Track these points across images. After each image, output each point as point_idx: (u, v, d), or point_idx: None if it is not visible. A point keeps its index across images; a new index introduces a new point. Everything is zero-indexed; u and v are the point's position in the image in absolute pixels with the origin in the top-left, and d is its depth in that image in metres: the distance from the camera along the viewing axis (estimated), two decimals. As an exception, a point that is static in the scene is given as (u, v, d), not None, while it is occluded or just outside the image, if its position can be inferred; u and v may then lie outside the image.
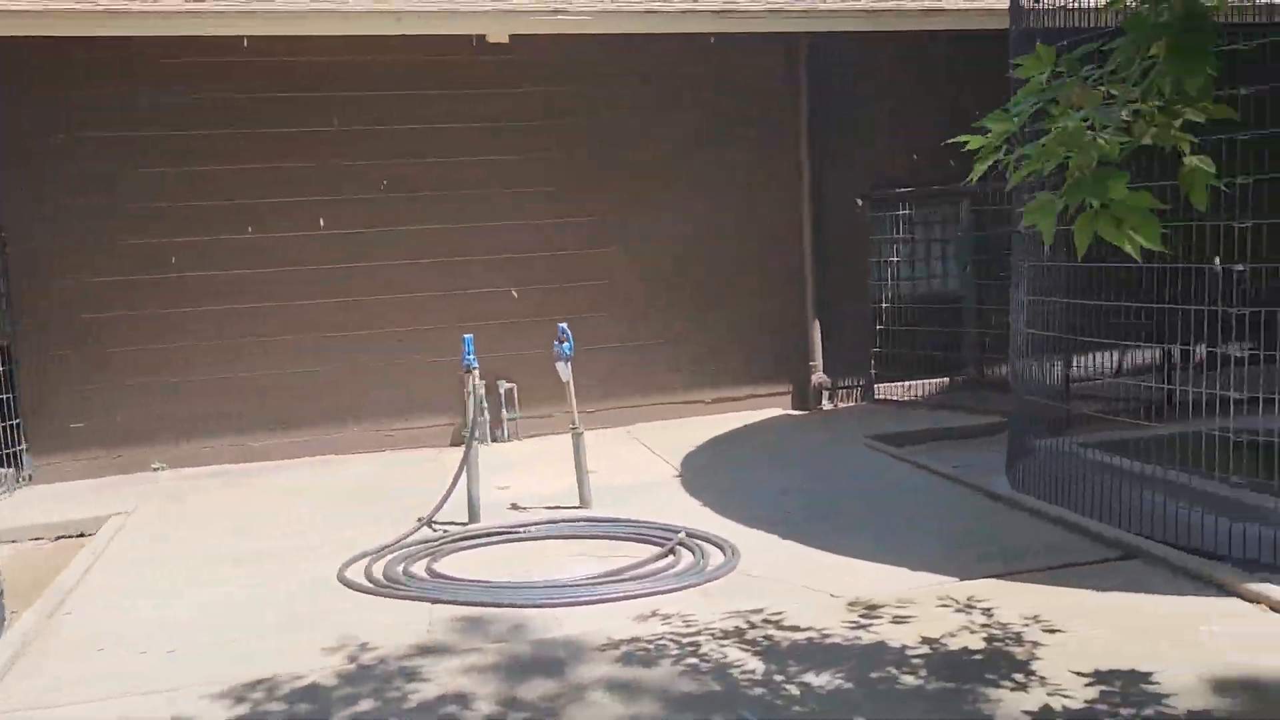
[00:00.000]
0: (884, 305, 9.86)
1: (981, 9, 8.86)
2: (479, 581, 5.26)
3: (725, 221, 9.53)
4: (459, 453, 8.73)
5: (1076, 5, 6.05)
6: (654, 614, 4.81)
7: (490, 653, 4.43)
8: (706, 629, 4.56)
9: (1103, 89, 2.53)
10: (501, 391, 9.03)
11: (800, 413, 9.69)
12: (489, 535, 6.07)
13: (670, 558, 5.55)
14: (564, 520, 6.35)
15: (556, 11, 8.27)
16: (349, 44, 8.28)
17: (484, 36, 8.55)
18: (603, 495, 6.95)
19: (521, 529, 6.16)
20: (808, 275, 9.70)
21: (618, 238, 9.30)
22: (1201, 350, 6.25)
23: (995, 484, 6.63)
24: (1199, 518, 5.34)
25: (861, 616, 4.62)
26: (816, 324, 9.74)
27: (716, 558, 5.54)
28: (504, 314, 9.06)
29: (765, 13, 8.76)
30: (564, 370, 6.77)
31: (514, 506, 6.86)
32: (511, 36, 8.60)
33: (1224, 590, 4.69)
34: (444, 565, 5.62)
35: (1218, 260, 8.88)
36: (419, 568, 5.52)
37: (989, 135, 2.67)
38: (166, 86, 8.22)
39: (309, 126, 8.53)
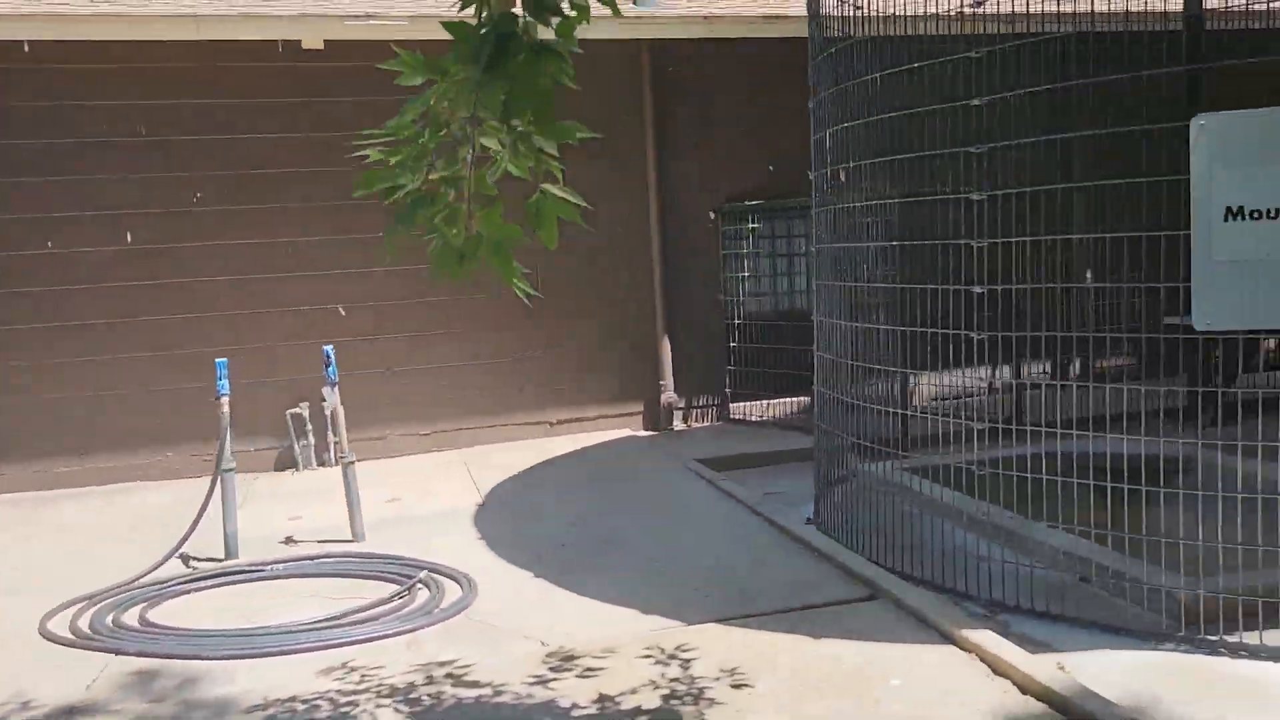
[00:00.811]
0: (738, 322, 9.54)
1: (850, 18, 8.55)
2: (179, 631, 4.89)
3: (574, 236, 9.13)
4: (278, 479, 8.45)
5: (878, 13, 5.73)
6: (344, 665, 4.46)
7: (128, 715, 4.06)
8: (380, 685, 4.22)
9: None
10: (328, 413, 8.65)
11: (649, 434, 9.36)
12: (228, 575, 5.71)
13: (402, 599, 5.20)
14: (318, 557, 5.99)
15: (369, 16, 7.93)
16: (153, 50, 7.92)
17: (299, 42, 8.20)
18: (390, 527, 6.61)
19: (266, 567, 5.80)
20: (657, 291, 9.38)
21: (456, 253, 8.93)
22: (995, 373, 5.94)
23: (791, 516, 6.31)
24: (965, 553, 5.05)
25: (551, 670, 4.27)
26: (667, 341, 9.41)
27: (452, 597, 5.20)
28: (334, 333, 8.68)
29: (595, 19, 8.40)
30: (330, 396, 6.40)
31: (288, 540, 6.50)
32: (327, 42, 8.26)
33: (945, 637, 4.36)
34: (164, 610, 5.26)
35: (1089, 274, 8.62)
36: (132, 615, 5.15)
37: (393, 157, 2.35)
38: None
39: (116, 136, 8.16)
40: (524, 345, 9.13)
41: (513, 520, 6.65)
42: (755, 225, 9.43)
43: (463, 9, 2.29)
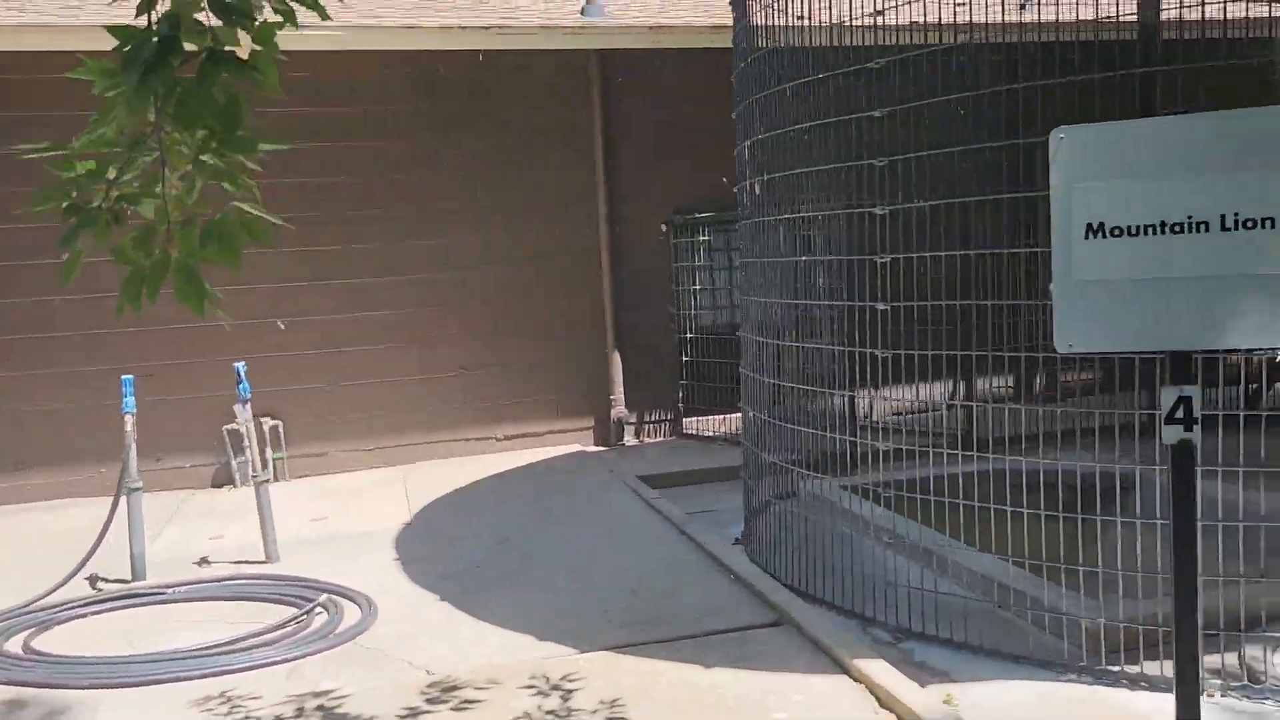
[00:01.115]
0: (690, 336, 9.39)
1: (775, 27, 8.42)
2: (57, 658, 4.74)
3: (522, 248, 9.06)
4: (213, 496, 8.30)
5: (803, 23, 5.59)
6: (221, 695, 4.31)
7: (-22, 749, 3.92)
8: (248, 717, 4.06)
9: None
10: (266, 429, 8.52)
11: (599, 449, 9.21)
12: (128, 598, 5.55)
13: (300, 623, 5.05)
14: (224, 579, 5.84)
15: (303, 25, 7.77)
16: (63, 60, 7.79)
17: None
18: (310, 547, 6.49)
19: (168, 590, 5.65)
20: (607, 304, 9.23)
21: (404, 265, 8.81)
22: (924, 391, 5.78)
23: (718, 537, 6.16)
24: (882, 576, 4.89)
25: (428, 702, 4.12)
26: (617, 356, 9.26)
27: (349, 622, 5.05)
28: (273, 347, 8.56)
29: (539, 29, 8.32)
30: (241, 413, 6.26)
31: (202, 561, 6.35)
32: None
33: (839, 667, 4.20)
34: (55, 635, 5.11)
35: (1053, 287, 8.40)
36: (17, 641, 5.00)
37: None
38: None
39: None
40: (471, 359, 8.99)
41: (435, 540, 6.50)
42: (707, 238, 9.30)
43: (138, 15, 2.14)
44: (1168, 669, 3.95)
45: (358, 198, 8.64)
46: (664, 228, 9.35)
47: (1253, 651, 4.14)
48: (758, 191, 5.38)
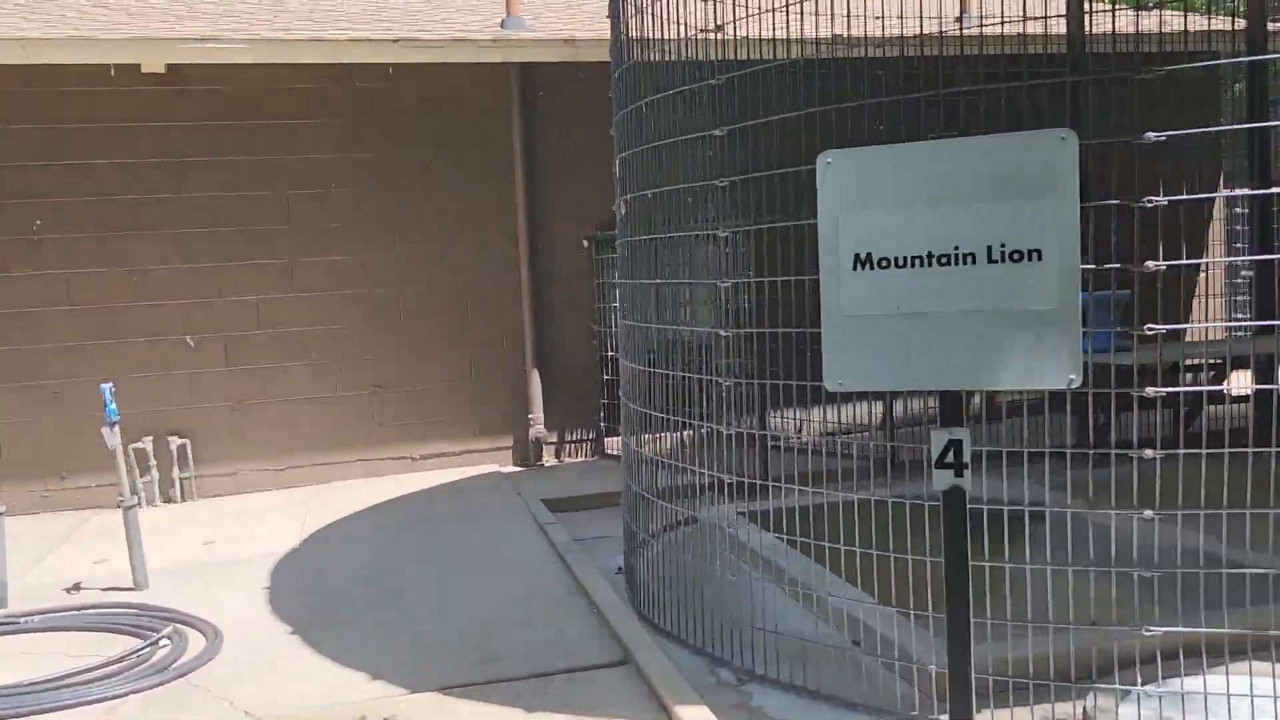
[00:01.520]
0: (613, 354, 9.20)
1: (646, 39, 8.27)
2: None
3: (440, 264, 8.89)
4: (115, 517, 8.07)
5: (678, 38, 5.41)
6: (26, 737, 4.12)
7: None
8: (39, 762, 3.87)
9: None
10: (173, 449, 8.34)
11: (516, 469, 9.02)
12: (-28, 628, 5.36)
13: (141, 656, 4.86)
14: (83, 608, 5.65)
15: (205, 39, 7.65)
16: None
17: (138, 66, 7.92)
18: (186, 574, 6.32)
19: (21, 619, 5.46)
20: (527, 321, 9.06)
21: (318, 282, 8.64)
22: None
23: (598, 566, 6.00)
24: (743, 612, 4.70)
25: (231, 746, 3.93)
26: (536, 374, 9.08)
27: (189, 656, 4.86)
28: (181, 364, 8.39)
29: (450, 42, 8.16)
30: (110, 436, 6.07)
31: (74, 588, 6.16)
32: (169, 67, 7.98)
33: (665, 713, 4.00)
34: (-116, 667, 4.91)
35: None
36: None
37: None
38: None
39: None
40: (386, 378, 8.81)
41: (313, 567, 6.31)
42: (627, 254, 9.12)
43: None
44: (1018, 716, 3.79)
45: (270, 212, 8.47)
46: (586, 244, 9.18)
47: (1104, 703, 3.95)
48: (623, 212, 5.21)
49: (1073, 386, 2.60)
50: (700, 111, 4.63)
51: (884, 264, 2.74)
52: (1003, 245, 2.64)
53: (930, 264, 2.70)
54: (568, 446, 9.29)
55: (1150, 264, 3.30)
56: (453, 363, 8.94)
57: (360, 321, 8.74)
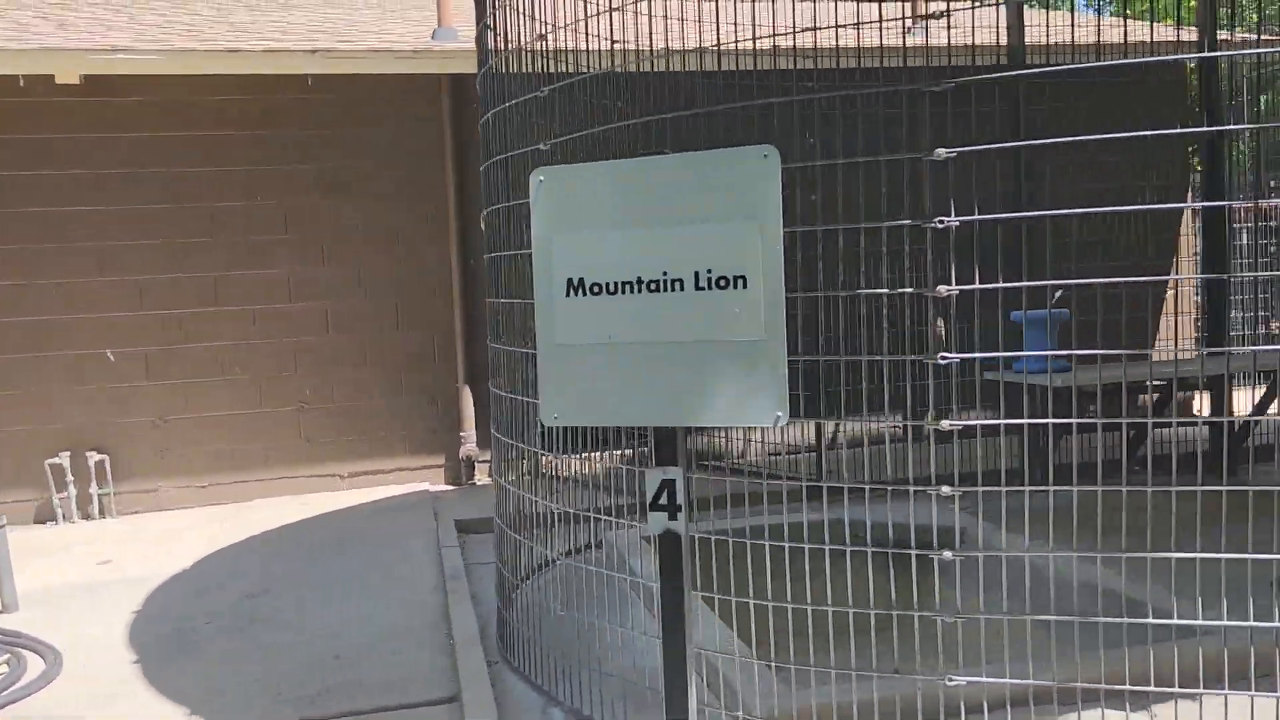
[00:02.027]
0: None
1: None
2: None
3: (368, 277, 8.74)
4: (28, 533, 7.98)
5: (543, 48, 5.23)
6: None
7: None
8: None
9: None
10: (91, 464, 8.23)
11: (447, 488, 8.85)
12: None
13: (-30, 687, 4.72)
14: (-65, 631, 5.52)
15: (116, 50, 7.55)
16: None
17: (52, 77, 7.84)
18: (68, 595, 6.22)
19: None
20: (458, 336, 8.89)
21: (243, 295, 8.51)
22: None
23: (467, 597, 5.78)
24: (594, 648, 4.49)
25: (11, 787, 3.76)
26: (468, 391, 8.90)
27: (21, 683, 4.72)
28: (101, 378, 8.29)
29: (371, 53, 8.02)
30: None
31: (-53, 609, 6.04)
32: (85, 78, 7.89)
33: (466, 757, 3.80)
34: None
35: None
36: None
37: None
38: None
39: None
40: (313, 393, 8.67)
41: (196, 589, 6.16)
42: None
43: None
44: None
45: (193, 225, 8.36)
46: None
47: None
48: (483, 228, 5.03)
49: (780, 425, 2.38)
50: (544, 121, 4.46)
51: (596, 290, 2.53)
52: (709, 271, 2.42)
53: (641, 290, 2.49)
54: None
55: (943, 289, 3.07)
56: (383, 379, 8.78)
57: (287, 336, 8.60)
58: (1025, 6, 7.56)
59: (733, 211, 2.39)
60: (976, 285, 3.07)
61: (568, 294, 2.56)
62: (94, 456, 8.24)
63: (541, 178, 2.60)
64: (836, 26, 4.72)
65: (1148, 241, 9.31)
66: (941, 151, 3.08)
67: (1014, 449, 7.75)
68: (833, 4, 4.97)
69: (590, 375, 2.57)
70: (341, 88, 8.48)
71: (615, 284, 2.52)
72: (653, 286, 2.48)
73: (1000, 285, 3.10)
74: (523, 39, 4.63)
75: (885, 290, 3.15)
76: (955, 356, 3.07)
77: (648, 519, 2.53)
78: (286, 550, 6.98)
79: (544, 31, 4.34)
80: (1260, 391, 8.15)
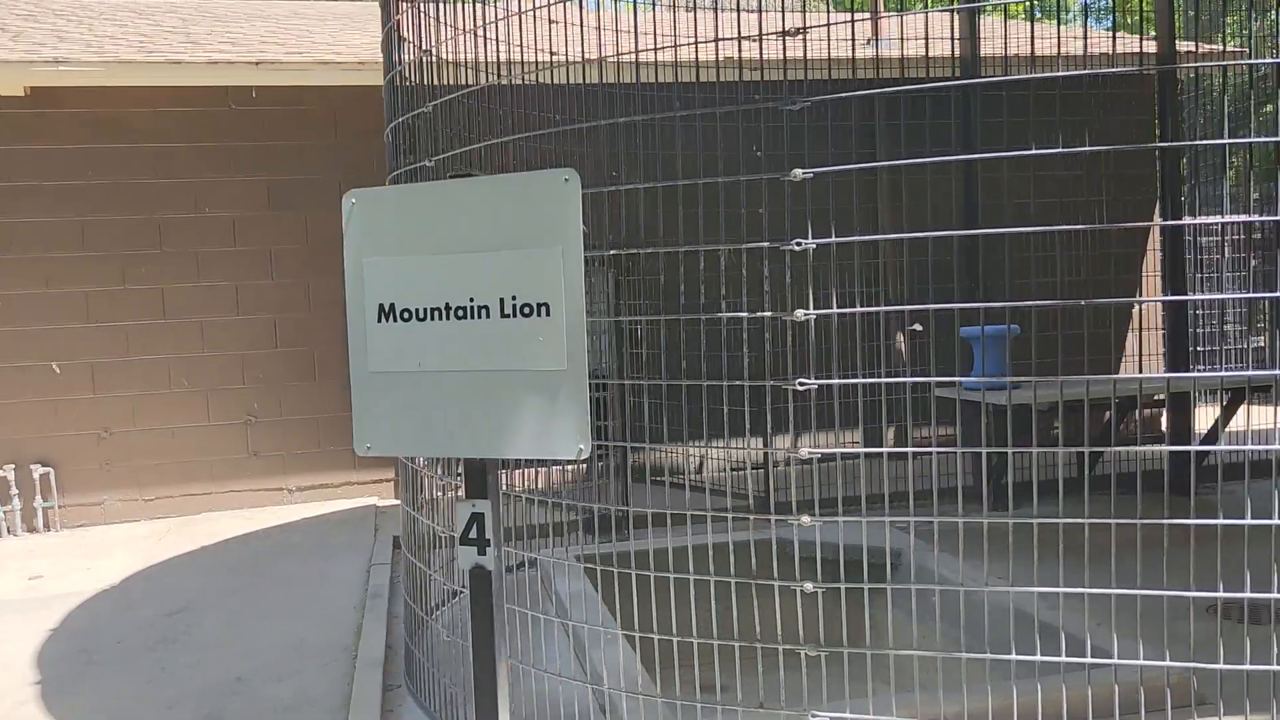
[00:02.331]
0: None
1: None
2: None
3: (315, 289, 8.68)
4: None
5: (451, 58, 5.17)
6: None
7: None
8: None
9: None
10: (36, 477, 8.17)
11: (395, 503, 8.75)
12: None
13: None
14: None
15: (59, 62, 7.51)
16: None
17: (-3, 88, 7.81)
18: (-10, 610, 6.11)
19: None
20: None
21: (189, 308, 8.45)
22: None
23: (382, 617, 5.69)
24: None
25: None
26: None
27: (-87, 710, 4.64)
28: (47, 391, 8.23)
29: (316, 65, 7.97)
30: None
31: None
32: (30, 89, 7.85)
33: (336, 789, 3.72)
34: None
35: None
36: None
37: None
38: None
39: None
40: (261, 407, 8.60)
41: (119, 606, 6.09)
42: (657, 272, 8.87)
43: None
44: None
45: (141, 237, 8.31)
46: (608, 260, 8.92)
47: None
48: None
49: (582, 457, 2.30)
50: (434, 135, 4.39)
51: (406, 316, 2.45)
52: (514, 298, 2.34)
53: (449, 317, 2.41)
54: (454, 480, 9.00)
55: (799, 313, 2.99)
56: (330, 392, 8.71)
57: (234, 348, 8.54)
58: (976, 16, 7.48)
59: (536, 237, 2.31)
60: (835, 310, 2.98)
61: (379, 320, 2.49)
62: (39, 469, 8.18)
63: (353, 200, 2.53)
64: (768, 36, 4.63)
65: (1109, 258, 9.21)
66: (798, 172, 3.00)
67: (966, 468, 7.66)
68: (750, 16, 4.90)
69: (402, 404, 2.48)
70: (292, 99, 8.43)
71: (425, 310, 2.44)
72: (460, 313, 2.40)
73: (858, 310, 3.01)
74: (427, 43, 4.54)
75: (745, 314, 3.06)
76: (813, 382, 2.99)
77: (458, 554, 2.45)
78: (217, 566, 6.90)
79: (429, 47, 4.27)
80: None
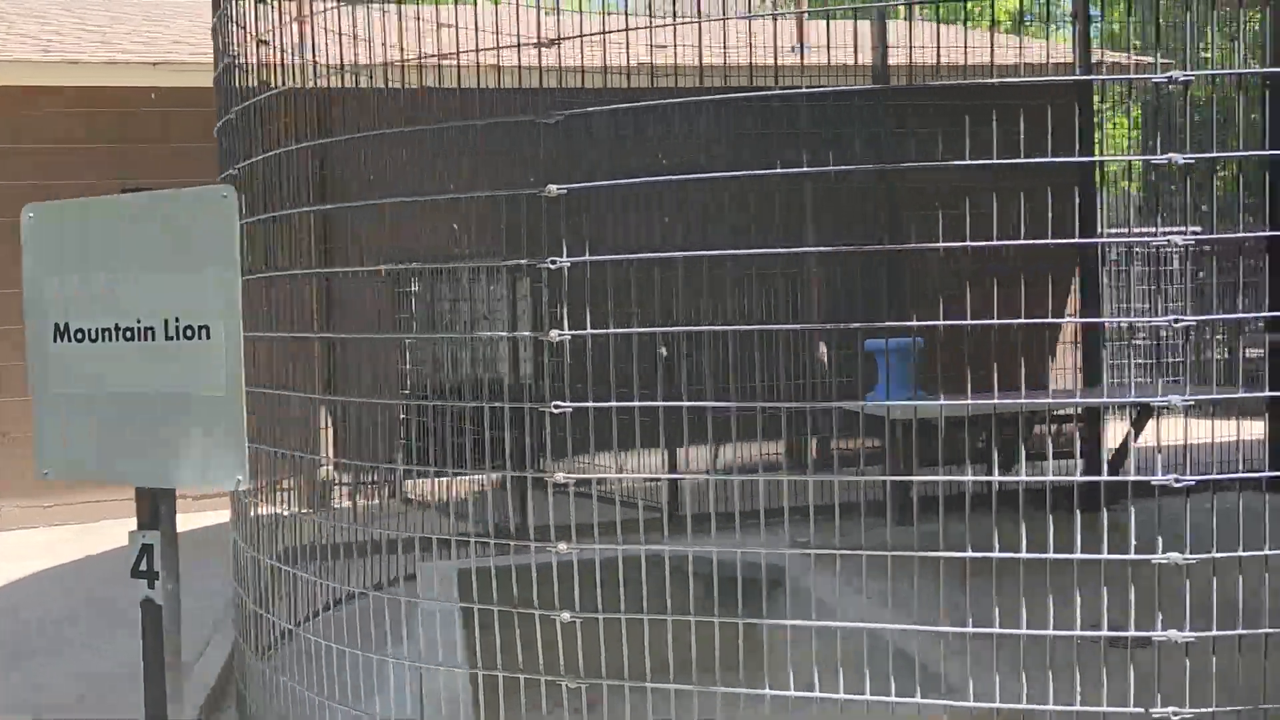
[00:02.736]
0: (411, 392, 8.82)
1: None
2: None
3: (230, 295, 8.54)
4: None
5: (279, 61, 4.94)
6: None
7: None
8: None
9: None
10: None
11: (305, 511, 8.63)
12: None
13: None
14: None
15: (-51, 61, 7.39)
16: None
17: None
18: None
19: None
20: (314, 356, 8.67)
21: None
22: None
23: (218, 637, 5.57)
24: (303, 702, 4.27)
25: None
26: (323, 411, 8.69)
27: None
28: (-58, 395, 8.10)
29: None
30: None
31: None
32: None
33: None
34: None
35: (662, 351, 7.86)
36: None
37: None
38: None
39: None
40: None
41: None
42: (444, 286, 8.78)
43: None
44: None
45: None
46: (383, 274, 8.81)
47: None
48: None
49: (241, 489, 2.19)
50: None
51: (80, 336, 2.34)
52: (177, 319, 2.23)
53: (118, 338, 2.30)
54: (367, 489, 8.89)
55: (554, 333, 2.88)
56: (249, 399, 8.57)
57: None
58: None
59: (196, 257, 2.20)
60: (588, 330, 2.88)
61: (55, 339, 2.37)
62: (-76, 476, 8.04)
63: (31, 214, 2.41)
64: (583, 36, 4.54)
65: (1027, 273, 9.11)
66: (552, 188, 2.89)
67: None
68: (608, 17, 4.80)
69: (80, 427, 2.37)
70: (203, 101, 8.28)
71: (96, 331, 2.32)
72: (128, 335, 2.29)
73: (611, 331, 2.90)
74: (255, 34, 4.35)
75: (504, 333, 2.95)
76: (568, 405, 2.88)
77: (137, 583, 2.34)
78: (102, 576, 6.76)
79: (263, 36, 4.12)
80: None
